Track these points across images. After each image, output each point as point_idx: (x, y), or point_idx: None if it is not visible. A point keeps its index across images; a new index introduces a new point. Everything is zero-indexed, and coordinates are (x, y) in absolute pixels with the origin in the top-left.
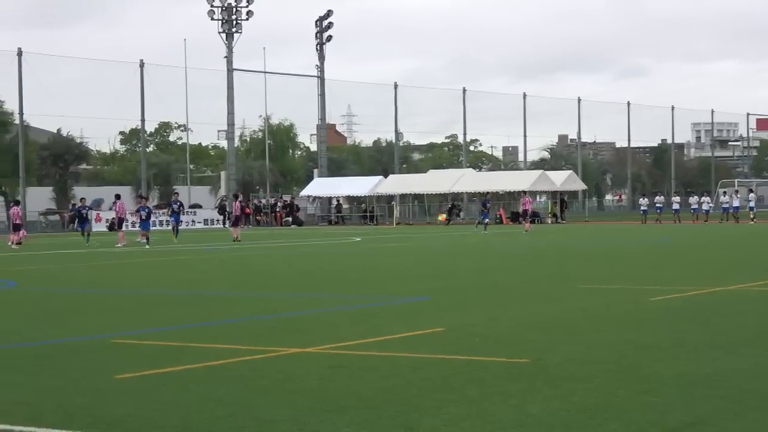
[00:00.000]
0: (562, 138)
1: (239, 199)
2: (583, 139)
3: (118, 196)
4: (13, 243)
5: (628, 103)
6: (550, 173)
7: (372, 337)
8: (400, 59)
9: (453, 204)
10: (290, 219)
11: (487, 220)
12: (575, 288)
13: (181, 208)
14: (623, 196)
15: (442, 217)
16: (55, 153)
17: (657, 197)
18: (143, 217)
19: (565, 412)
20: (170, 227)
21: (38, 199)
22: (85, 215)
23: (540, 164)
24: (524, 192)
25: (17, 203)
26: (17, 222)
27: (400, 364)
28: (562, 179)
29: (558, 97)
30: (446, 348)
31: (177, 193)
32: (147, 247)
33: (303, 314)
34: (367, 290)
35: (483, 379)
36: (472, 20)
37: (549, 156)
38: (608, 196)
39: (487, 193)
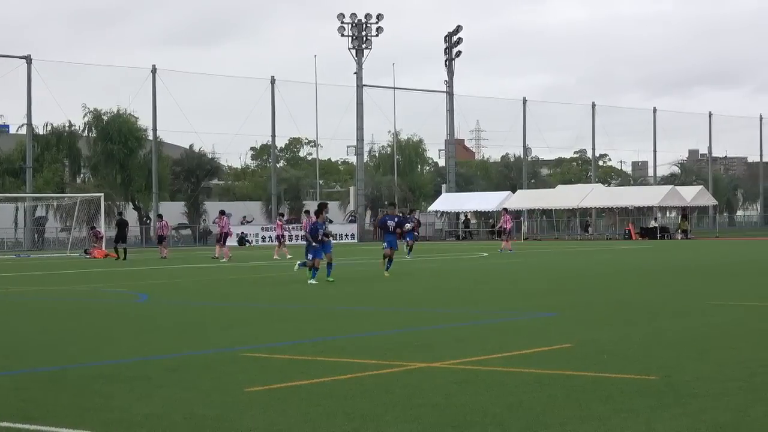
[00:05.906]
0: (693, 153)
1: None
2: (715, 154)
3: (222, 212)
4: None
5: (761, 117)
6: (680, 188)
7: (499, 353)
8: (532, 75)
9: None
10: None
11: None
12: (705, 304)
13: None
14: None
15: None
16: (187, 168)
17: None
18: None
19: (695, 431)
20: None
21: (171, 213)
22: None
23: (670, 179)
24: (505, 209)
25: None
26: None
27: (526, 380)
28: (692, 194)
29: (689, 111)
30: (574, 364)
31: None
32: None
33: (430, 329)
34: (494, 306)
35: (611, 396)
36: (610, 36)
37: (679, 171)
38: (739, 212)
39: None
